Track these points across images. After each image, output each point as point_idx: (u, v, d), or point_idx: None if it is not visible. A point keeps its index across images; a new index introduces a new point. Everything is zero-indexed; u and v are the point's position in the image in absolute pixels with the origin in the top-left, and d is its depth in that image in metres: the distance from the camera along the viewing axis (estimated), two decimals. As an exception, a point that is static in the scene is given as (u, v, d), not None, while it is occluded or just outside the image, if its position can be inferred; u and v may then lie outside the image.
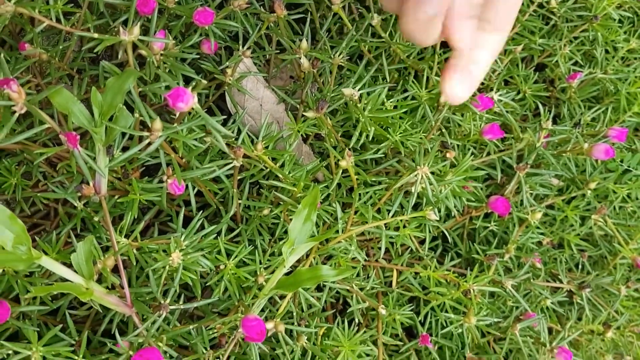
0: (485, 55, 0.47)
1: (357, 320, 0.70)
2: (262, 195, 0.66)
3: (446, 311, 0.72)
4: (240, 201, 0.65)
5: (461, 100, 0.49)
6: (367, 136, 0.62)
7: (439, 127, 0.68)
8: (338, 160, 0.62)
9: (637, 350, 0.87)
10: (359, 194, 0.66)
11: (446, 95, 0.48)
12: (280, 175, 0.61)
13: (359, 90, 0.59)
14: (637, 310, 0.87)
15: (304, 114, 0.59)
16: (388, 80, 0.68)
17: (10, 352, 0.50)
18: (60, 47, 0.59)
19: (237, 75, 0.64)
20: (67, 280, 0.48)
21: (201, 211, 0.61)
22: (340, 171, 0.63)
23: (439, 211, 0.72)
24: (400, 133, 0.64)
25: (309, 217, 0.49)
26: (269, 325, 0.51)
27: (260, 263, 0.60)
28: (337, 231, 0.64)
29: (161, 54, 0.59)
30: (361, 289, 0.70)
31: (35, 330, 0.51)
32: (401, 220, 0.66)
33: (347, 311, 0.71)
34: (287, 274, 0.52)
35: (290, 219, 0.64)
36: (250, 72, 0.66)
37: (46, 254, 0.56)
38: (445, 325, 0.73)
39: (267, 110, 0.66)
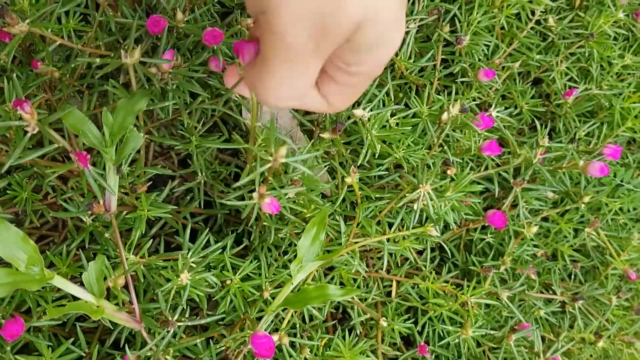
0: None
1: (357, 331, 0.71)
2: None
3: (443, 321, 0.74)
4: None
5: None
6: (374, 154, 0.63)
7: (440, 144, 0.70)
8: (343, 176, 0.63)
9: (627, 358, 0.90)
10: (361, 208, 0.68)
11: None
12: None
13: (368, 110, 0.60)
14: (627, 319, 0.89)
15: (321, 135, 0.61)
16: (392, 98, 0.70)
17: (23, 365, 0.51)
18: (72, 65, 0.60)
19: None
20: (77, 297, 0.49)
21: (208, 228, 0.63)
22: (346, 187, 0.65)
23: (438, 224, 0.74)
24: (404, 149, 0.66)
25: (318, 236, 0.51)
26: (274, 337, 0.52)
27: (266, 277, 0.61)
28: (340, 243, 0.65)
29: (170, 72, 0.60)
30: (362, 300, 0.71)
31: (48, 344, 0.52)
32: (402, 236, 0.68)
33: (349, 323, 0.72)
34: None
35: (296, 234, 0.66)
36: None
37: (54, 265, 0.58)
38: (442, 334, 0.75)
39: (281, 126, 0.67)
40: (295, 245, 0.59)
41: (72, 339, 0.54)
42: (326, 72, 0.41)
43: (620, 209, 0.86)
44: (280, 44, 0.35)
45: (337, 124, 0.58)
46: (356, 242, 0.66)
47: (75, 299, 0.50)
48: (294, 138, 0.69)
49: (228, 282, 0.59)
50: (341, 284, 0.71)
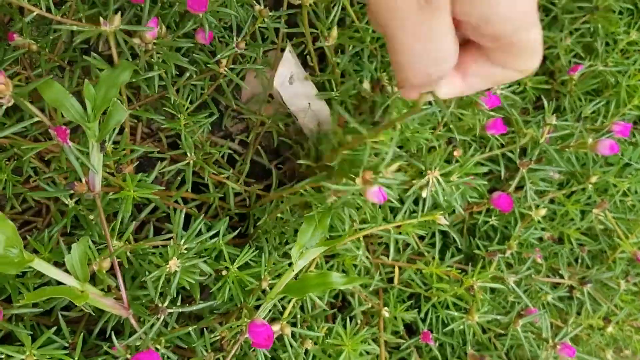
0: None
1: (358, 320, 0.68)
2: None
3: (447, 307, 0.71)
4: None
5: None
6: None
7: (445, 123, 0.67)
8: None
9: (636, 344, 0.87)
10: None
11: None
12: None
13: None
14: (636, 304, 0.87)
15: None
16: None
17: (3, 355, 0.48)
18: (51, 37, 0.56)
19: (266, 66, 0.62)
20: (60, 282, 0.46)
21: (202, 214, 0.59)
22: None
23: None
24: (411, 130, 0.63)
25: (323, 222, 0.47)
26: (275, 327, 0.49)
27: (265, 266, 0.58)
28: (343, 230, 0.62)
29: (154, 43, 0.56)
30: (363, 286, 0.68)
31: (28, 333, 0.49)
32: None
33: (350, 310, 0.69)
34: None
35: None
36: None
37: (37, 252, 0.55)
38: (445, 321, 0.72)
39: (315, 111, 0.64)
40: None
41: (55, 328, 0.51)
42: (481, 52, 0.35)
43: (629, 189, 0.82)
44: (386, 6, 0.30)
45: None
46: (362, 230, 0.63)
47: (59, 284, 0.46)
48: (325, 125, 0.65)
49: (224, 271, 0.56)
50: (342, 271, 0.68)
